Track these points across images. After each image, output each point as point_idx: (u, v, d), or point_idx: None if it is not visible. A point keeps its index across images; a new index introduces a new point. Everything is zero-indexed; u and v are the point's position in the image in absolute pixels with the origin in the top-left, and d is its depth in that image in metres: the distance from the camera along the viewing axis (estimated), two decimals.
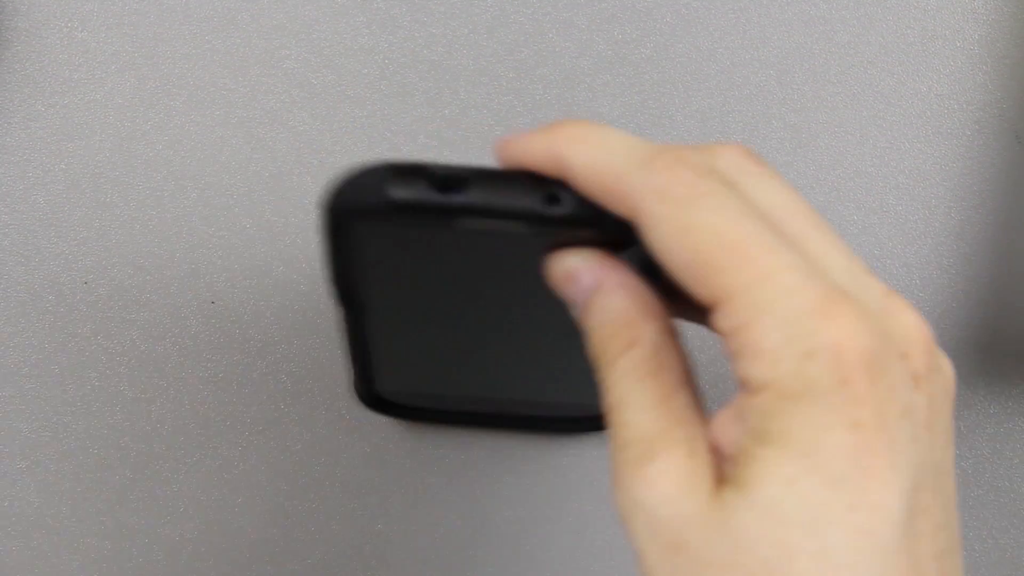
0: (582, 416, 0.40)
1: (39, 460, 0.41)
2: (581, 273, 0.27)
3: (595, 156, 0.25)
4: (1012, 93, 0.44)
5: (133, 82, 0.43)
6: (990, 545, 0.42)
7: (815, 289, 0.23)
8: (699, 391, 0.26)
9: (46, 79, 0.43)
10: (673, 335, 0.27)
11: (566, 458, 0.42)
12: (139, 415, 0.41)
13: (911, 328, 0.24)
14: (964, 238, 0.44)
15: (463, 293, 0.34)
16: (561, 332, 0.33)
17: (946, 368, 0.25)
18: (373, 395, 0.38)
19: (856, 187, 0.43)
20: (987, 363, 0.43)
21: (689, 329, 0.45)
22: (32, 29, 0.44)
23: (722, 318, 0.23)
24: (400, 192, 0.27)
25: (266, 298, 0.42)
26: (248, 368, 0.42)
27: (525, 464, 0.42)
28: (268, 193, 0.43)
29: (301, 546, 0.41)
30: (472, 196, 0.27)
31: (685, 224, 0.24)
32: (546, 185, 0.27)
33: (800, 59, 0.44)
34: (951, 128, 0.44)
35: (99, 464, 0.41)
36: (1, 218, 0.42)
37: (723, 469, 0.24)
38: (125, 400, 0.41)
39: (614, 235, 0.27)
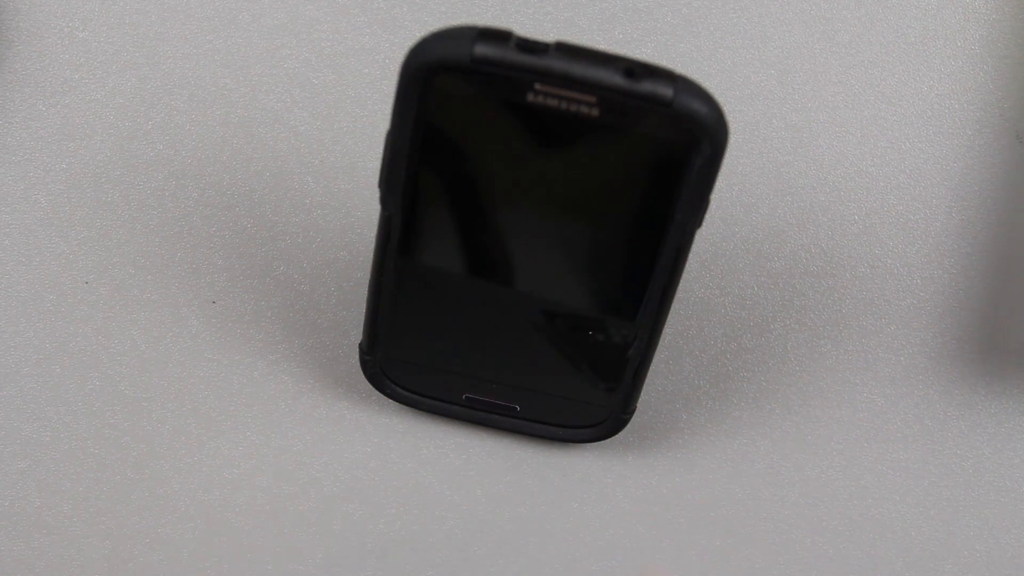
0: (586, 424, 0.40)
1: (39, 460, 0.41)
2: None
3: None
4: (1012, 93, 0.44)
5: (134, 82, 0.43)
6: (990, 545, 0.42)
7: None
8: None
9: (47, 79, 0.43)
10: None
11: (566, 458, 0.42)
12: (139, 415, 0.41)
13: None
14: (964, 238, 0.44)
15: (510, 208, 0.34)
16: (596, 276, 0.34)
17: None
18: (379, 368, 0.39)
19: (856, 187, 0.43)
20: (987, 363, 0.43)
21: (690, 328, 0.45)
22: (33, 29, 0.44)
23: None
24: (485, 49, 0.29)
25: (266, 298, 0.42)
26: (248, 368, 0.42)
27: (525, 464, 0.42)
28: (268, 193, 0.43)
29: (301, 546, 0.41)
30: (553, 60, 0.29)
31: None
32: (627, 62, 0.29)
33: (800, 59, 0.44)
34: (951, 128, 0.44)
35: (99, 464, 0.41)
36: (2, 218, 0.42)
37: None
38: (125, 400, 0.41)
39: (679, 136, 0.30)
